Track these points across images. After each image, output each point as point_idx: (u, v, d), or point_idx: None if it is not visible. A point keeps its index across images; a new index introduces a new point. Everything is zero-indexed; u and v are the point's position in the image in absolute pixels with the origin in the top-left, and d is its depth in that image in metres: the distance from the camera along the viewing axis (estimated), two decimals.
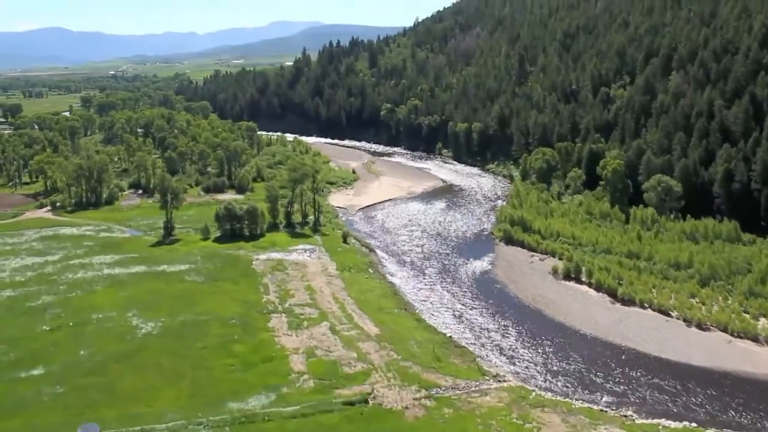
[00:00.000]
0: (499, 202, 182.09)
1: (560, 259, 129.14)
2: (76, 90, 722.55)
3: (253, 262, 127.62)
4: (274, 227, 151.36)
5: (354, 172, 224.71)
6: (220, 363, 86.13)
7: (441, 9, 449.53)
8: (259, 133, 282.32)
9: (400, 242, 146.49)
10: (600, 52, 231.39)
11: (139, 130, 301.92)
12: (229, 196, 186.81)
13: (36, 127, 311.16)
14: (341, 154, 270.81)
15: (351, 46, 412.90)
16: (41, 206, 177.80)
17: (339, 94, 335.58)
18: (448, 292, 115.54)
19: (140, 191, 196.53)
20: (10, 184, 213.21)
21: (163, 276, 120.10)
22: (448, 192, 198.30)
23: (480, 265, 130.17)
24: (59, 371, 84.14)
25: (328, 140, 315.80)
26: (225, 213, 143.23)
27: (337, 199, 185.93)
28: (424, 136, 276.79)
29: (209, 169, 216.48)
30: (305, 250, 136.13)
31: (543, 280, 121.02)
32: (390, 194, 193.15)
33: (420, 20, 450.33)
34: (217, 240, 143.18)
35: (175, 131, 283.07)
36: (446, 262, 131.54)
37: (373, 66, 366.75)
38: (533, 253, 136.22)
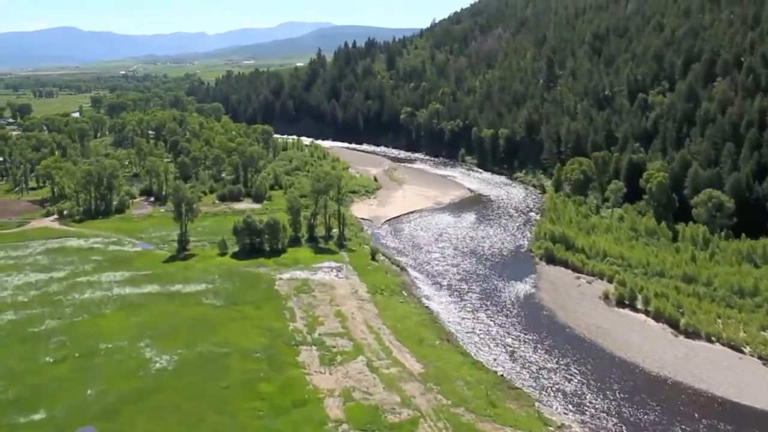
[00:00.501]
0: (533, 214, 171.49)
1: (609, 281, 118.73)
2: (87, 90, 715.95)
3: (276, 282, 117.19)
4: (296, 241, 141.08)
5: (376, 179, 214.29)
6: (245, 406, 75.70)
7: (458, 10, 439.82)
8: (274, 136, 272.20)
9: (433, 260, 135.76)
10: (635, 55, 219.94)
11: (150, 132, 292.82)
12: (245, 205, 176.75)
13: (45, 128, 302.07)
14: (360, 159, 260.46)
15: (367, 48, 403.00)
16: (48, 214, 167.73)
17: (356, 96, 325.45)
18: (492, 320, 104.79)
19: (152, 198, 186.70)
20: (17, 189, 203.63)
21: (178, 297, 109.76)
22: (477, 203, 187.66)
23: (523, 287, 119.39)
24: (63, 416, 73.87)
25: (345, 144, 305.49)
26: (244, 226, 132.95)
27: (360, 209, 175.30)
28: (446, 142, 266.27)
29: (224, 175, 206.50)
30: (332, 269, 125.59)
31: (595, 307, 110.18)
32: (416, 205, 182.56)
33: (437, 21, 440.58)
34: (235, 255, 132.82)
35: (188, 134, 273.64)
36: (486, 284, 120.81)
37: (391, 68, 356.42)
38: (579, 275, 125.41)
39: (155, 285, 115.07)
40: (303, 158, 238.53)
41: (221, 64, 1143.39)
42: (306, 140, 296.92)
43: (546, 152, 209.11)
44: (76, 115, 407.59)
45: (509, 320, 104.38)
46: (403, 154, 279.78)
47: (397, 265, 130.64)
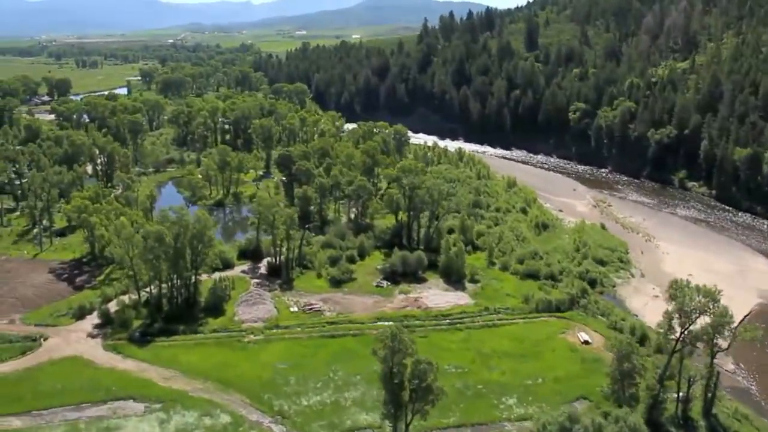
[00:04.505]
0: None
1: None
2: (134, 59, 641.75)
3: None
4: None
5: (604, 227, 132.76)
6: None
7: None
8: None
9: None
10: None
11: (224, 123, 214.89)
12: (440, 294, 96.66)
13: (85, 117, 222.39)
14: (535, 180, 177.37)
15: (485, 20, 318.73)
16: (82, 315, 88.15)
17: (497, 84, 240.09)
18: None
19: (261, 268, 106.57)
20: (34, 238, 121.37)
21: None
22: None
23: None
24: None
25: (486, 148, 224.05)
26: None
27: (644, 308, 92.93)
28: (651, 157, 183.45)
29: (366, 218, 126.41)
30: None
31: None
32: (735, 300, 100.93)
33: None
34: None
35: (279, 131, 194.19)
36: None
37: (533, 48, 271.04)
38: None
39: None
40: (470, 182, 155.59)
41: (272, 34, 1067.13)
42: (423, 138, 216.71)
43: None
44: (123, 92, 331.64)
45: None
46: (580, 168, 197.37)
47: None
